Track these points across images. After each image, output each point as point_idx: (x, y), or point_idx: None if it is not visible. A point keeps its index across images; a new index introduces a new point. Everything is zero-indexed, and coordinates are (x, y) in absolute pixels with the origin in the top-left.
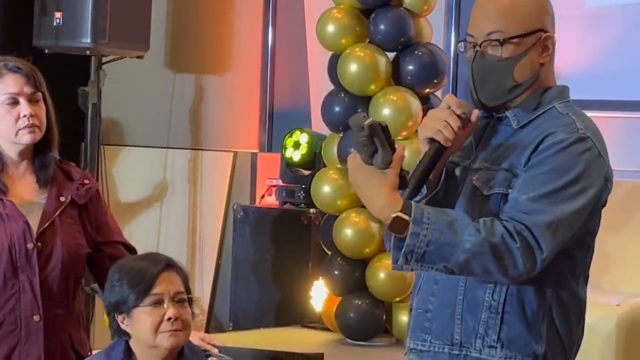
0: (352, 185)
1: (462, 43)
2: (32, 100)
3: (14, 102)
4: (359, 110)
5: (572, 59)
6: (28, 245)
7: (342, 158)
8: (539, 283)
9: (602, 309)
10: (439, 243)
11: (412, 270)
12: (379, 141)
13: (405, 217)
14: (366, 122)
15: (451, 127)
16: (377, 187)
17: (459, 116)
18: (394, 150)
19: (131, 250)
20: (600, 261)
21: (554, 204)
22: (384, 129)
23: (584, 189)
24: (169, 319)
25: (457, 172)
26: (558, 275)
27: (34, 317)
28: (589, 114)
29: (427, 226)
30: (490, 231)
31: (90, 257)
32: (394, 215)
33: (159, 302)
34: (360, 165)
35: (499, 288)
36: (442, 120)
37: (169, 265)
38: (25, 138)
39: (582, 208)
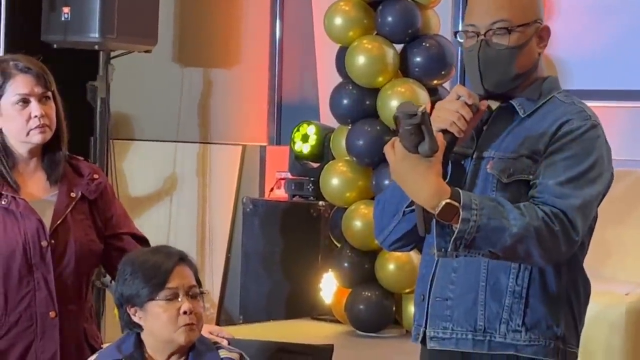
0: (395, 174)
1: (461, 33)
2: (42, 99)
3: (25, 103)
4: (368, 102)
5: (577, 49)
6: (42, 243)
7: (351, 150)
8: (557, 266)
9: (611, 298)
10: (487, 228)
11: (456, 256)
12: (427, 129)
13: (455, 203)
14: (420, 110)
15: (464, 118)
16: (424, 175)
17: (471, 105)
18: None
19: (141, 240)
20: (601, 251)
21: (579, 188)
22: (428, 116)
23: (601, 174)
24: (185, 312)
25: (465, 162)
26: (571, 258)
27: (50, 313)
28: (594, 103)
29: (476, 212)
30: (533, 215)
31: (101, 252)
32: (445, 202)
33: (174, 297)
34: (405, 154)
35: (522, 273)
36: (454, 111)
37: (182, 259)
38: (36, 138)
39: (600, 192)
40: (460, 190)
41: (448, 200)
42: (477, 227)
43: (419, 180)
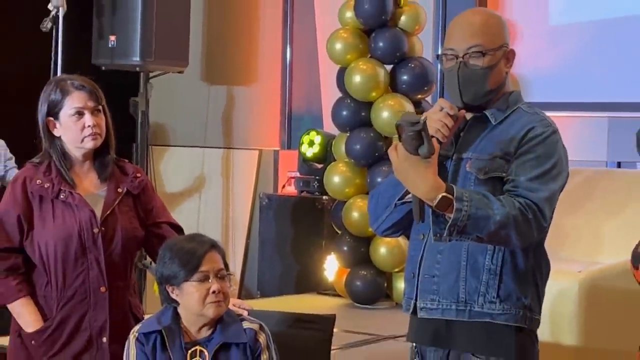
0: (398, 172)
1: (442, 56)
2: (94, 112)
3: (80, 115)
4: (363, 114)
5: (537, 67)
6: (94, 230)
7: (349, 153)
8: (525, 249)
9: (567, 276)
10: (476, 217)
11: (449, 240)
12: (426, 135)
13: (450, 196)
14: (422, 119)
15: (447, 126)
16: (423, 173)
17: (452, 115)
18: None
19: (176, 228)
20: (560, 237)
21: (545, 183)
22: (425, 125)
23: (561, 172)
24: (214, 292)
25: (446, 163)
26: (537, 243)
27: (100, 288)
28: (552, 113)
29: (467, 203)
30: (512, 206)
31: (143, 238)
32: (442, 195)
33: (205, 278)
34: (406, 156)
35: (496, 254)
36: (439, 120)
37: (213, 246)
38: (89, 144)
39: (561, 186)
40: (453, 186)
41: (444, 194)
42: (468, 215)
43: (419, 177)
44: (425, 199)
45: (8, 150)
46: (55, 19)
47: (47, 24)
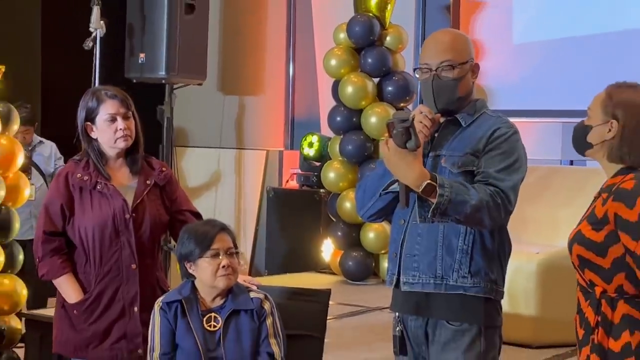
0: (389, 163)
1: (418, 69)
2: (125, 117)
3: (113, 120)
4: (354, 119)
5: (502, 80)
6: (126, 216)
7: (343, 153)
8: (492, 232)
9: (526, 256)
10: (455, 201)
11: (433, 222)
12: (413, 131)
13: (434, 183)
14: (410, 117)
15: (427, 127)
16: (411, 164)
17: (431, 118)
18: (418, 138)
19: (197, 215)
20: (521, 224)
21: (509, 175)
22: (412, 123)
23: (522, 166)
24: (224, 266)
25: (424, 159)
26: (501, 227)
27: (132, 265)
28: (513, 119)
29: (447, 190)
30: (484, 192)
31: (168, 223)
32: (427, 182)
33: (216, 255)
34: (396, 149)
35: (467, 236)
36: (420, 122)
37: (223, 228)
38: (121, 144)
39: (522, 178)
40: (437, 175)
41: (429, 181)
42: (449, 200)
43: (407, 168)
44: (413, 186)
45: (58, 151)
46: (95, 39)
47: (88, 43)
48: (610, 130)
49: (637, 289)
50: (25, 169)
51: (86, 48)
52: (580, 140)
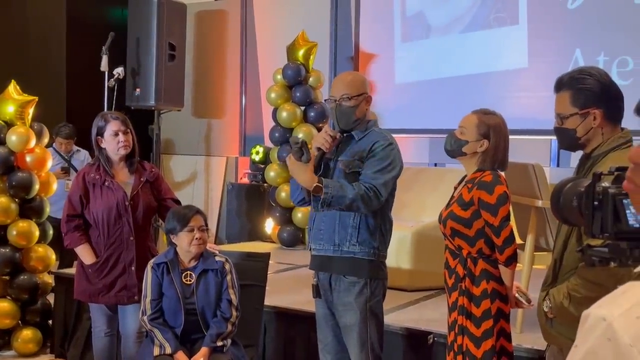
0: (291, 171)
1: (327, 100)
2: (125, 133)
3: (116, 134)
4: (288, 135)
5: (388, 108)
6: (126, 203)
7: (280, 159)
8: (374, 213)
9: (404, 229)
10: (337, 196)
11: (323, 210)
12: (305, 150)
13: (320, 185)
14: (300, 140)
15: (329, 142)
16: (305, 172)
17: (332, 136)
18: (309, 154)
19: (177, 202)
20: (401, 206)
21: (382, 175)
22: (305, 144)
23: (394, 167)
24: (197, 238)
25: (330, 163)
26: (382, 208)
27: (130, 238)
28: (396, 135)
29: (330, 189)
30: (359, 189)
31: (157, 207)
32: (315, 184)
33: (192, 230)
34: (294, 162)
35: (356, 217)
36: (323, 137)
37: (197, 211)
38: (122, 152)
39: (395, 176)
40: (322, 178)
41: (316, 184)
42: (332, 196)
43: (302, 174)
44: (306, 187)
45: (90, 158)
46: (117, 80)
47: (112, 83)
48: (482, 146)
49: (491, 251)
50: (66, 170)
51: (110, 86)
52: (456, 150)
